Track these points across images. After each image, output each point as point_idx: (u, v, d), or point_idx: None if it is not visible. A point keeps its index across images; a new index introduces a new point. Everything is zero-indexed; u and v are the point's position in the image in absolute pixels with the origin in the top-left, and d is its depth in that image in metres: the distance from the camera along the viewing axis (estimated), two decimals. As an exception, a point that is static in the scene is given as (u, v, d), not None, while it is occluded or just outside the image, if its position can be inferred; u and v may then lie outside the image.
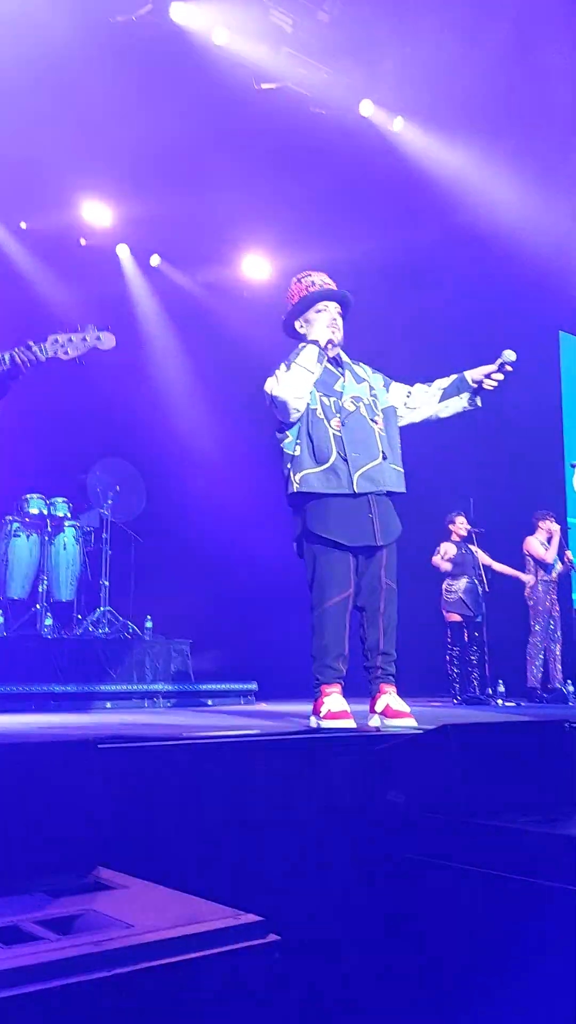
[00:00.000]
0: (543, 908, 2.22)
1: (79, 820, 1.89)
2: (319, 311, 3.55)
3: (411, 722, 3.31)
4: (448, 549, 7.69)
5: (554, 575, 7.89)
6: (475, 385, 3.58)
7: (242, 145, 7.81)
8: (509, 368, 3.52)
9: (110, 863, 1.87)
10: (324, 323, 3.52)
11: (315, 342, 3.47)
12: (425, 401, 3.64)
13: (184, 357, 9.04)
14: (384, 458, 3.45)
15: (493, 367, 3.54)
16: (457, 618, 7.59)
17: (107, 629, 6.75)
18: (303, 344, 3.49)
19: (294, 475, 3.38)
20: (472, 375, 3.59)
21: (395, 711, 3.36)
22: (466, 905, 2.37)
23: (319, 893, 2.38)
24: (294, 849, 2.43)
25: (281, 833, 2.43)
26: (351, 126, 8.37)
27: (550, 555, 7.87)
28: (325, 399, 3.44)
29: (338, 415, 3.42)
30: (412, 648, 8.31)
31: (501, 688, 7.70)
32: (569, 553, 8.09)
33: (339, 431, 3.40)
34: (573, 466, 6.73)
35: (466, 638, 7.57)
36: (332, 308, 3.57)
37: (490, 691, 7.49)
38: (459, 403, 3.63)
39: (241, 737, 2.67)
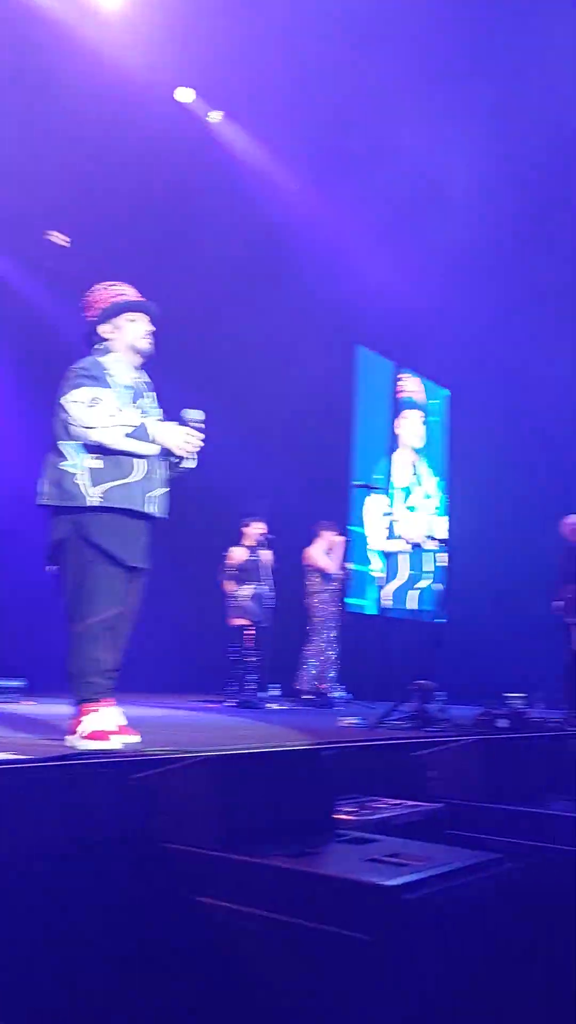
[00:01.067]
0: (295, 948, 2.22)
1: None
2: (132, 320, 3.54)
3: (136, 738, 3.32)
4: (237, 554, 7.72)
5: (335, 584, 8.13)
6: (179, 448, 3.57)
7: (52, 113, 7.42)
8: (197, 425, 3.53)
9: None
10: (139, 333, 3.52)
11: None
12: None
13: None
14: (167, 489, 3.54)
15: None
16: (242, 623, 7.63)
17: None
18: (148, 421, 3.39)
19: (92, 487, 3.27)
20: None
21: (127, 728, 3.37)
22: (223, 945, 2.33)
23: (69, 942, 2.25)
24: (42, 888, 2.30)
25: (27, 872, 2.28)
26: (168, 112, 8.21)
27: (332, 565, 8.09)
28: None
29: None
30: (195, 648, 8.35)
31: (275, 692, 7.84)
32: (349, 564, 8.36)
33: None
34: (357, 486, 6.91)
35: (249, 643, 7.63)
36: (145, 320, 3.56)
37: (263, 695, 7.60)
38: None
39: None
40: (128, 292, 3.61)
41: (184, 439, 3.43)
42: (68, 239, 8.04)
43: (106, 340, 3.53)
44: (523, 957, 2.33)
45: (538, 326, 10.95)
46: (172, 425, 3.46)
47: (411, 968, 2.10)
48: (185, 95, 8.37)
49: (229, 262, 8.80)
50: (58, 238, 8.12)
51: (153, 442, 3.38)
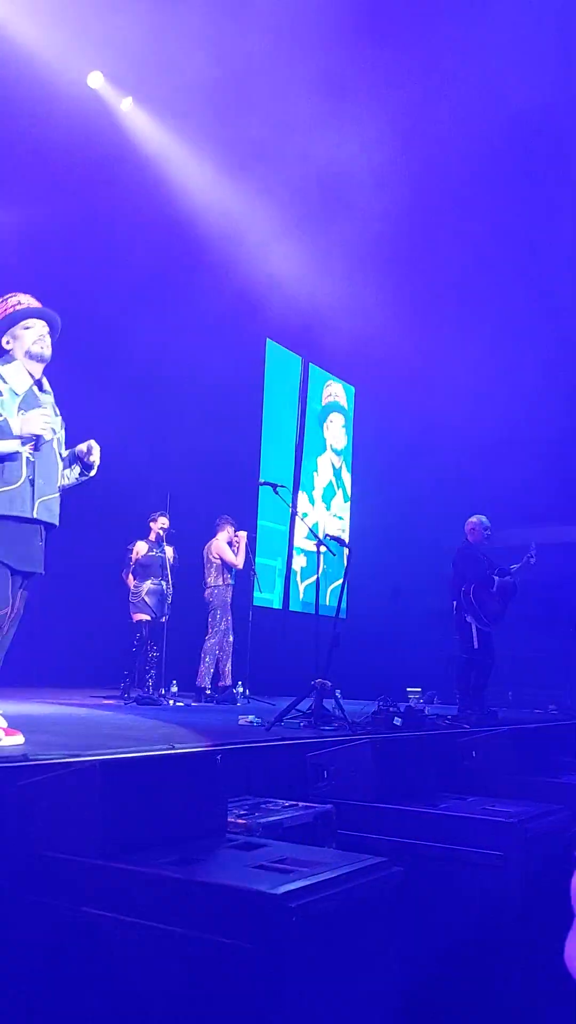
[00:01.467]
0: (180, 959, 2.20)
1: None
2: (27, 327, 3.62)
3: (19, 739, 3.32)
4: (140, 548, 7.61)
5: (233, 578, 8.10)
6: (81, 458, 3.73)
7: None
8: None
9: None
10: (32, 338, 3.59)
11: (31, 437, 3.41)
12: None
13: None
14: (59, 494, 3.60)
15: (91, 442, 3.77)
16: (142, 618, 7.53)
17: None
18: (10, 419, 3.41)
19: None
20: (78, 449, 3.77)
21: (10, 729, 3.37)
22: (109, 956, 2.29)
23: None
24: None
25: None
26: (76, 93, 8.01)
27: (240, 560, 8.05)
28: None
29: (32, 440, 3.46)
30: (95, 643, 8.20)
31: (174, 688, 7.77)
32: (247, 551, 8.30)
33: (32, 456, 3.45)
34: (263, 484, 6.88)
35: (149, 638, 7.54)
36: (40, 326, 3.64)
37: (163, 691, 7.53)
38: (73, 474, 3.75)
39: None
40: (25, 301, 3.69)
41: (42, 422, 3.44)
42: None
43: (7, 350, 3.61)
44: (409, 960, 2.37)
45: (443, 322, 11.17)
46: (32, 413, 3.46)
47: (297, 976, 2.11)
48: (96, 80, 8.19)
49: (136, 253, 8.66)
50: None
51: (16, 436, 3.38)
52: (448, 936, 2.81)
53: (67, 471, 3.71)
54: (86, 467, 3.71)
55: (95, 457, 3.70)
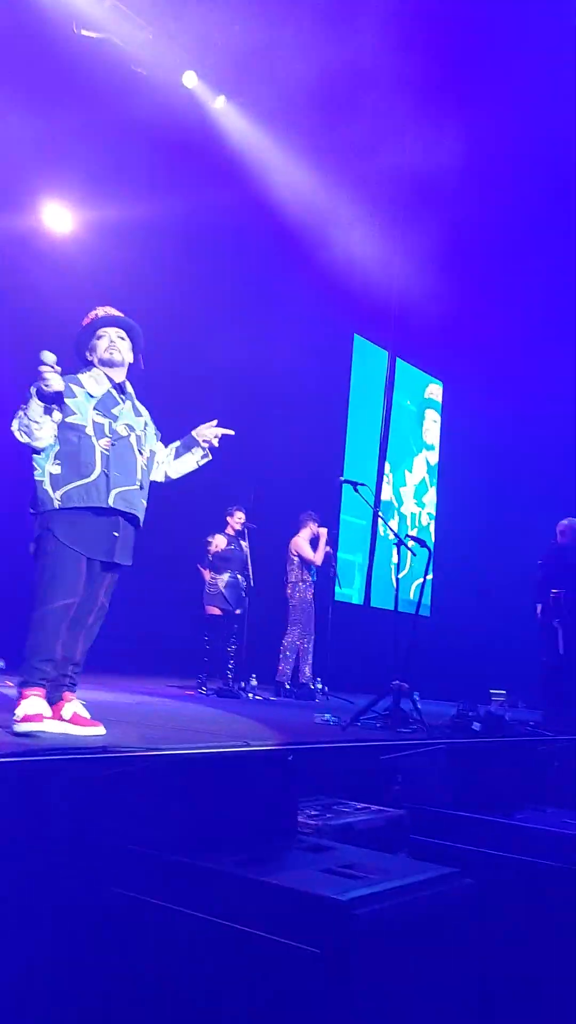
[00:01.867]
0: (244, 957, 2.21)
1: None
2: (99, 336, 3.77)
3: (100, 730, 3.43)
4: (219, 542, 7.68)
5: (314, 574, 8.09)
6: (204, 443, 3.97)
7: (52, 87, 7.34)
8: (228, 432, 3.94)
9: None
10: (104, 347, 3.75)
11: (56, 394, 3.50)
12: (165, 459, 3.95)
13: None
14: (140, 488, 3.70)
15: (212, 424, 4.00)
16: (216, 611, 7.60)
17: None
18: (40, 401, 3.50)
19: (54, 491, 3.50)
20: (198, 435, 3.98)
21: (84, 719, 3.49)
22: (177, 949, 2.32)
23: (13, 942, 2.23)
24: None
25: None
26: (171, 93, 8.13)
27: (319, 557, 8.04)
28: (99, 418, 3.60)
29: (109, 436, 3.61)
30: (173, 633, 8.32)
31: (254, 682, 7.81)
32: (328, 547, 8.28)
33: (107, 450, 3.58)
34: (344, 481, 6.82)
35: (226, 631, 7.60)
36: (112, 332, 3.78)
37: (242, 684, 7.58)
38: (192, 460, 3.98)
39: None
40: (101, 311, 3.84)
41: (42, 375, 3.42)
42: None
43: (88, 360, 3.80)
44: (477, 975, 2.32)
45: (533, 317, 10.90)
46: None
47: (360, 983, 2.09)
48: (191, 80, 8.29)
49: (224, 250, 8.74)
50: None
51: (35, 397, 3.42)
52: (520, 952, 2.75)
53: (188, 456, 3.92)
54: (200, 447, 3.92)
55: (209, 435, 3.91)
